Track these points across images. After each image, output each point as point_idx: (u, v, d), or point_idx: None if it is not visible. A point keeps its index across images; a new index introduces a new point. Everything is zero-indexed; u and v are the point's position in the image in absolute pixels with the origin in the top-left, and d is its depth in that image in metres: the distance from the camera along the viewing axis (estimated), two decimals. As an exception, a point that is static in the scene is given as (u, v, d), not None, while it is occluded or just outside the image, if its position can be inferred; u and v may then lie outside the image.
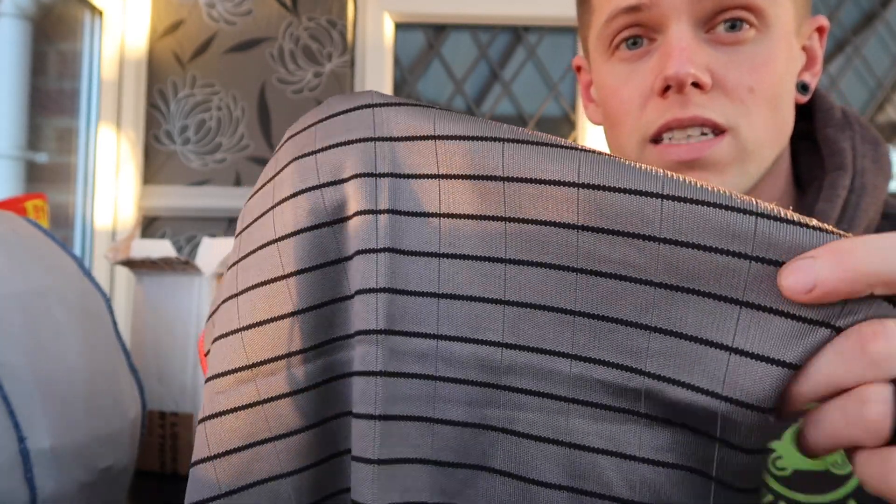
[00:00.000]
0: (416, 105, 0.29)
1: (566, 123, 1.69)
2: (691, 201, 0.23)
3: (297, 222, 0.30)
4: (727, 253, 0.23)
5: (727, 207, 0.23)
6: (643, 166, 0.24)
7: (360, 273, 0.29)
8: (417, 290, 0.28)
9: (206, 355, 0.36)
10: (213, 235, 1.58)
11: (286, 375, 0.30)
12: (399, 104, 0.29)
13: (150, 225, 1.62)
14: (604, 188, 0.25)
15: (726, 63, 0.45)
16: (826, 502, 0.45)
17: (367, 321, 0.28)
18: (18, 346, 0.48)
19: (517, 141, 0.27)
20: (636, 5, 0.46)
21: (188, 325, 0.75)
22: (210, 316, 0.36)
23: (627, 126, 0.49)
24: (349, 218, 0.30)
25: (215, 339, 0.32)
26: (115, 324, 0.59)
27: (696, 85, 0.45)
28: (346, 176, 0.30)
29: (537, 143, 0.26)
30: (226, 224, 1.61)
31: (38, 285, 0.51)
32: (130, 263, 0.75)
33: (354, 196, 0.29)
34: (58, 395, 0.49)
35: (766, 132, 0.46)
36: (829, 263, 0.22)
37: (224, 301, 0.33)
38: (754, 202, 0.23)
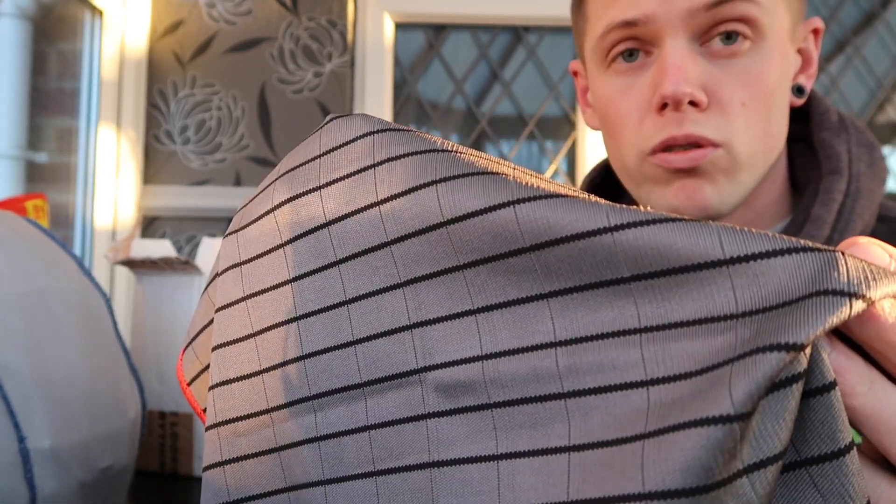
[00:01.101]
0: (407, 131, 0.28)
1: (566, 123, 1.69)
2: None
3: (308, 262, 0.29)
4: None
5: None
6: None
7: (384, 312, 0.27)
8: (449, 313, 0.25)
9: (188, 385, 0.35)
10: (213, 235, 1.58)
11: (295, 423, 0.29)
12: (394, 130, 0.28)
13: (150, 225, 1.62)
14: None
15: (721, 78, 0.46)
16: None
17: (403, 362, 0.26)
18: (18, 346, 0.48)
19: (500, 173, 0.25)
20: (632, 20, 0.47)
21: (188, 325, 0.75)
22: (189, 344, 0.35)
23: (626, 139, 0.50)
24: (355, 256, 0.28)
25: (231, 381, 0.31)
26: (115, 324, 0.59)
27: (692, 103, 0.45)
28: (349, 211, 0.28)
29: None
30: (226, 224, 1.61)
31: (38, 285, 0.51)
32: (130, 263, 0.75)
33: (358, 231, 0.27)
34: (58, 395, 0.49)
35: (759, 143, 0.47)
36: None
37: (235, 342, 0.31)
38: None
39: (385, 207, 0.26)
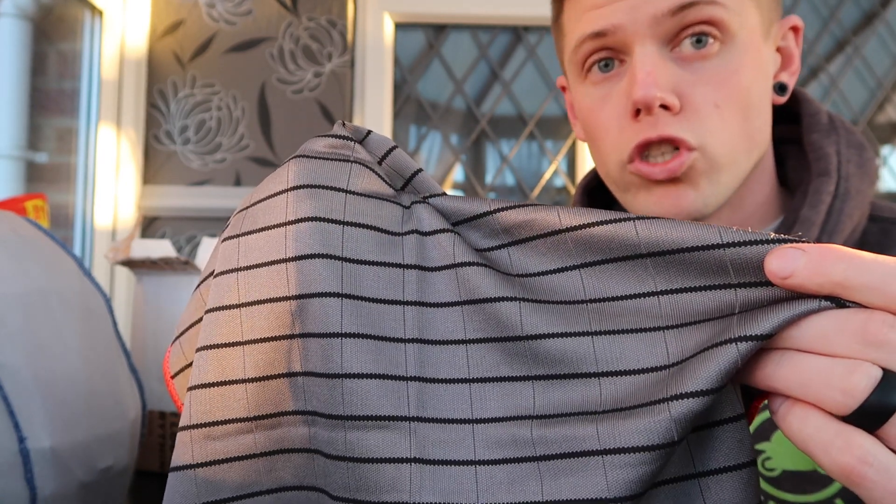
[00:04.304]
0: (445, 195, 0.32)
1: (566, 123, 1.69)
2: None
3: (313, 285, 0.29)
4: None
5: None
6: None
7: (383, 355, 0.29)
8: (448, 377, 0.29)
9: (172, 378, 0.35)
10: (213, 235, 1.58)
11: (282, 432, 0.30)
12: (425, 202, 0.32)
13: (150, 225, 1.62)
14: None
15: (692, 81, 0.46)
16: (814, 502, 0.46)
17: (395, 407, 0.28)
18: (18, 346, 0.48)
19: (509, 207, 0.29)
20: (600, 31, 0.48)
21: (188, 325, 0.75)
22: (176, 338, 0.35)
23: (607, 147, 0.50)
24: (366, 300, 0.30)
25: (209, 385, 0.31)
26: (115, 324, 0.59)
27: (664, 107, 0.46)
28: (371, 259, 0.30)
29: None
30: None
31: (38, 285, 0.51)
32: (130, 263, 0.75)
33: (375, 280, 0.30)
34: (58, 395, 0.49)
35: (738, 143, 0.47)
36: (812, 261, 0.23)
37: (220, 346, 0.31)
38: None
39: (411, 273, 0.30)
